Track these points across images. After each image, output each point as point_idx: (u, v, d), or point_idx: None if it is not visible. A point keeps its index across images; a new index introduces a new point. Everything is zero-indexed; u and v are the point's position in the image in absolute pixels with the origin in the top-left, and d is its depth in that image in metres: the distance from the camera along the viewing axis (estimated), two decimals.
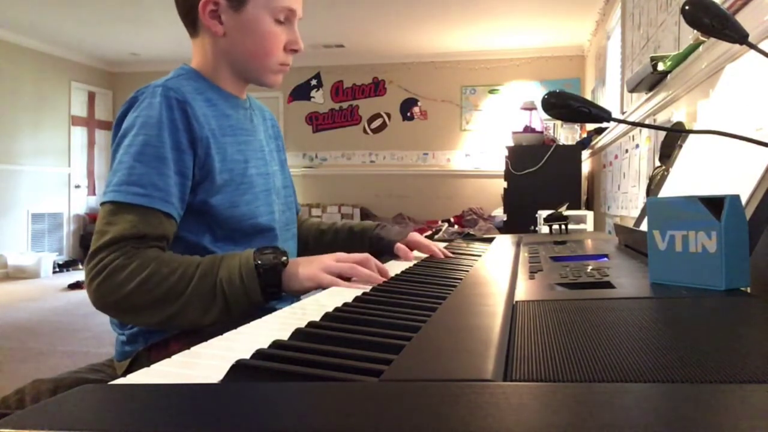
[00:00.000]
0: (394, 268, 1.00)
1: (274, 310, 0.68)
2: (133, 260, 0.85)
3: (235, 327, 0.56)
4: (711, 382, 0.32)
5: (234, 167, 1.00)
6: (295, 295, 0.92)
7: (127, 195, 0.88)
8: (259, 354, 0.42)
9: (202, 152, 0.95)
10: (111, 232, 0.86)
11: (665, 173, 1.23)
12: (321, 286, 0.87)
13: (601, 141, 4.01)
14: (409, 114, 6.85)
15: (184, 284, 0.85)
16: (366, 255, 0.92)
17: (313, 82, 7.02)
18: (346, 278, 0.88)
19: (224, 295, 0.85)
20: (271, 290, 0.87)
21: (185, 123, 0.93)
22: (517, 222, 4.11)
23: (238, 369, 0.39)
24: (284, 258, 0.89)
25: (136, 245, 0.87)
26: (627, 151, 3.05)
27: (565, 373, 0.34)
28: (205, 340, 0.51)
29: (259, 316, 0.62)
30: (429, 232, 4.97)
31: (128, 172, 0.89)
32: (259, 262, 0.86)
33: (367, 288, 0.78)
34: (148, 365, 0.42)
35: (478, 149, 6.62)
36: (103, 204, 0.90)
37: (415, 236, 1.24)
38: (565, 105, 0.68)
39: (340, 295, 0.74)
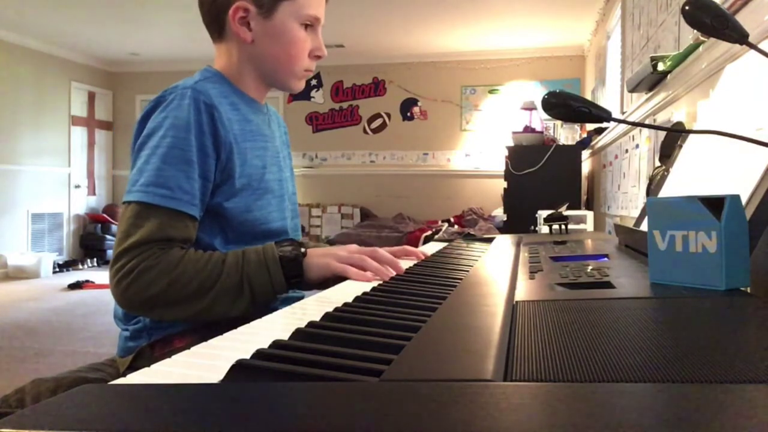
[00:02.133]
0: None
1: (275, 309, 0.68)
2: (160, 260, 0.87)
3: (239, 325, 0.57)
4: (711, 382, 0.31)
5: (252, 172, 1.01)
6: (311, 283, 0.96)
7: (155, 197, 0.89)
8: (259, 354, 0.42)
9: (224, 156, 0.96)
10: (138, 234, 0.87)
11: (665, 173, 1.23)
12: (333, 274, 0.92)
13: (601, 141, 4.01)
14: (409, 114, 6.85)
15: (212, 280, 0.88)
16: (375, 248, 0.96)
17: (313, 82, 7.02)
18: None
19: (251, 288, 0.90)
20: (295, 280, 0.92)
21: (211, 127, 0.94)
22: (517, 222, 4.12)
23: (238, 369, 0.39)
24: (302, 249, 0.94)
25: (162, 247, 0.88)
26: (627, 151, 3.05)
27: (565, 373, 0.34)
28: (207, 336, 0.51)
29: (260, 316, 0.62)
30: (429, 232, 4.97)
31: (156, 174, 0.90)
32: (282, 254, 0.91)
33: (376, 282, 0.80)
34: (151, 361, 0.42)
35: (478, 149, 6.62)
36: (128, 203, 0.90)
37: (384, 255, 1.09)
38: (565, 105, 0.68)
39: (343, 292, 0.74)
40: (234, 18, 1.01)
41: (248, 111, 1.05)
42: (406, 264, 1.00)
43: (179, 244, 0.91)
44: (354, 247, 0.96)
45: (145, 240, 0.87)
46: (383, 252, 0.95)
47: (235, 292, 0.89)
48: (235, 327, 0.56)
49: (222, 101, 0.98)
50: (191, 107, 0.93)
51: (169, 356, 0.44)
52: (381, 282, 0.83)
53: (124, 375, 0.97)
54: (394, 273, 0.89)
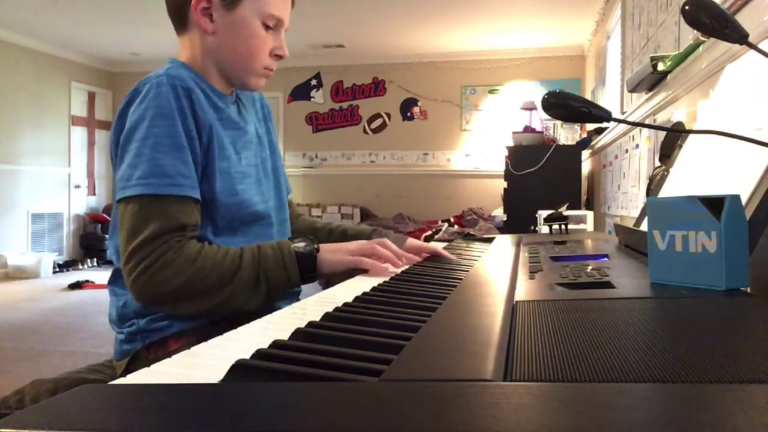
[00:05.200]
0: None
1: (275, 310, 0.68)
2: (179, 254, 0.88)
3: (237, 325, 0.57)
4: (711, 382, 0.31)
5: (230, 156, 1.01)
6: (323, 278, 0.99)
7: (159, 186, 0.89)
8: (259, 354, 0.42)
9: (205, 138, 0.97)
10: (150, 227, 0.87)
11: (665, 173, 1.23)
12: (347, 268, 0.96)
13: (601, 141, 4.01)
14: (409, 114, 6.85)
15: (230, 274, 0.90)
16: (383, 239, 1.00)
17: (313, 82, 7.02)
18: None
19: (267, 282, 0.92)
20: (309, 275, 0.96)
21: (192, 111, 0.95)
22: (517, 222, 4.11)
23: (238, 369, 0.39)
24: (316, 246, 0.97)
25: (178, 237, 0.89)
26: (627, 151, 3.05)
27: (565, 373, 0.34)
28: (203, 336, 0.51)
29: (260, 316, 0.62)
30: (429, 232, 4.97)
31: (152, 164, 0.89)
32: (297, 250, 0.95)
33: (376, 282, 0.81)
34: (147, 364, 0.42)
35: (478, 149, 6.62)
36: (128, 198, 0.89)
37: (413, 243, 1.18)
38: (565, 105, 0.67)
39: (343, 292, 0.74)
40: (197, 8, 1.01)
41: (217, 99, 1.04)
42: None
43: (191, 231, 0.92)
44: (362, 242, 1.01)
45: (159, 232, 0.87)
46: (390, 242, 1.00)
47: (252, 286, 0.91)
48: (232, 327, 0.56)
49: (194, 87, 0.98)
50: (170, 93, 0.93)
51: (165, 359, 0.44)
52: (382, 282, 0.83)
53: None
54: (403, 262, 0.96)
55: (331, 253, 0.97)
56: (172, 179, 0.90)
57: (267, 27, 1.04)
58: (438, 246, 1.20)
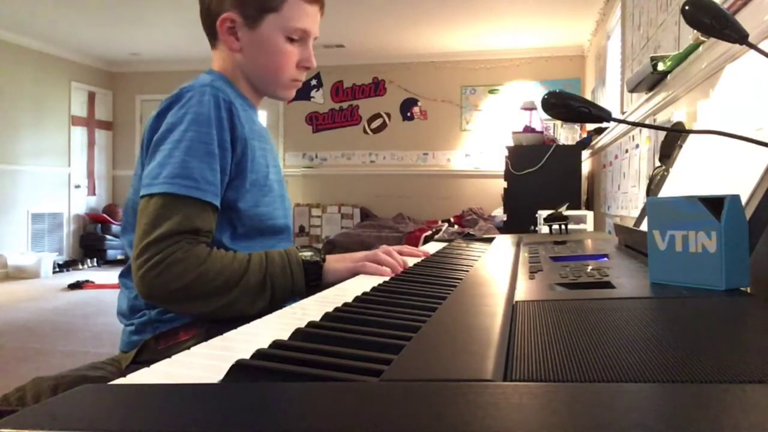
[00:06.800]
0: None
1: (276, 309, 0.68)
2: (188, 255, 0.89)
3: (236, 326, 0.57)
4: (711, 382, 0.31)
5: (260, 169, 1.04)
6: (328, 287, 1.00)
7: (182, 188, 0.91)
8: (259, 354, 0.42)
9: (240, 151, 1.00)
10: (166, 225, 0.89)
11: (665, 173, 1.23)
12: (351, 275, 0.97)
13: (601, 141, 4.01)
14: (409, 114, 6.85)
15: (237, 278, 0.91)
16: (387, 248, 1.03)
17: (313, 82, 7.02)
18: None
19: (272, 288, 0.94)
20: (314, 284, 0.98)
21: (230, 122, 0.98)
22: (517, 222, 4.11)
23: (238, 369, 0.39)
24: (322, 256, 1.00)
25: (190, 240, 0.91)
26: (627, 151, 3.05)
27: (565, 373, 0.34)
28: (213, 327, 0.51)
29: (260, 316, 0.62)
30: (429, 232, 4.97)
31: (181, 166, 0.92)
32: (305, 259, 0.97)
33: (376, 282, 0.81)
34: (155, 353, 0.43)
35: (478, 149, 6.62)
36: (151, 195, 0.92)
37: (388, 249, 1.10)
38: (565, 105, 0.68)
39: (343, 292, 0.74)
40: (222, 27, 1.05)
41: (252, 112, 1.09)
42: (410, 261, 1.04)
43: (204, 237, 0.93)
44: (367, 251, 1.03)
45: (173, 231, 0.89)
46: (392, 251, 1.02)
47: (257, 291, 0.92)
48: (243, 321, 0.56)
49: (234, 101, 1.02)
50: (211, 103, 0.96)
51: (174, 349, 0.44)
52: (382, 282, 0.83)
53: (127, 369, 0.96)
54: (402, 268, 0.97)
55: (336, 262, 1.00)
56: (196, 183, 0.92)
57: (292, 40, 1.08)
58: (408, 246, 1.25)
